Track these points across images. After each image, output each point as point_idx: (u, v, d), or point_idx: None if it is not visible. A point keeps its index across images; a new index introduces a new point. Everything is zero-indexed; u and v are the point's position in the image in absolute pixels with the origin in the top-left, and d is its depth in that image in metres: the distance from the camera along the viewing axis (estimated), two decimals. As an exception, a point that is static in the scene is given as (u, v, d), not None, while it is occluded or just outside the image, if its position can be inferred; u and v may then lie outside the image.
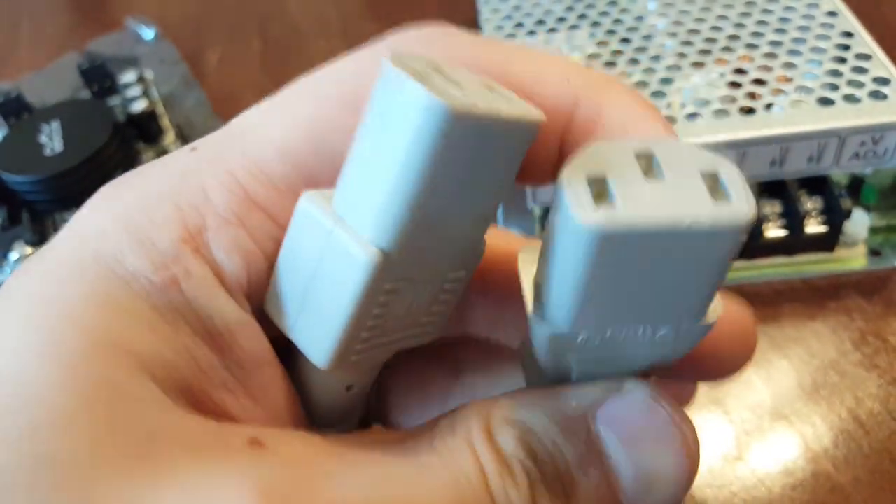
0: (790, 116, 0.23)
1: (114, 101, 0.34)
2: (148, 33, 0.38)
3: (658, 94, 0.24)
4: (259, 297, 0.13)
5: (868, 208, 0.25)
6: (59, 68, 0.37)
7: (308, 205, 0.12)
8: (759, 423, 0.22)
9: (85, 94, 0.35)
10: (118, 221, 0.12)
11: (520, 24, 0.29)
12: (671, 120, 0.23)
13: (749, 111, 0.23)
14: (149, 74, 0.35)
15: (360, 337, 0.12)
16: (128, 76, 0.34)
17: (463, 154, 0.10)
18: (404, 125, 0.10)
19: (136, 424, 0.10)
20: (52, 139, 0.29)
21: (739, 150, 0.23)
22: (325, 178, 0.12)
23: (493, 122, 0.10)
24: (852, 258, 0.25)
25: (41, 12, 0.44)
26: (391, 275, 0.11)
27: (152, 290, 0.11)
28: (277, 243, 0.12)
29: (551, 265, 0.11)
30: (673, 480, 0.12)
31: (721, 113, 0.23)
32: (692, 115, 0.23)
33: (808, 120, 0.23)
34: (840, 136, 0.23)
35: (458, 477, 0.11)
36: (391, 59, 0.10)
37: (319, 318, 0.12)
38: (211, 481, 0.10)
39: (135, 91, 0.33)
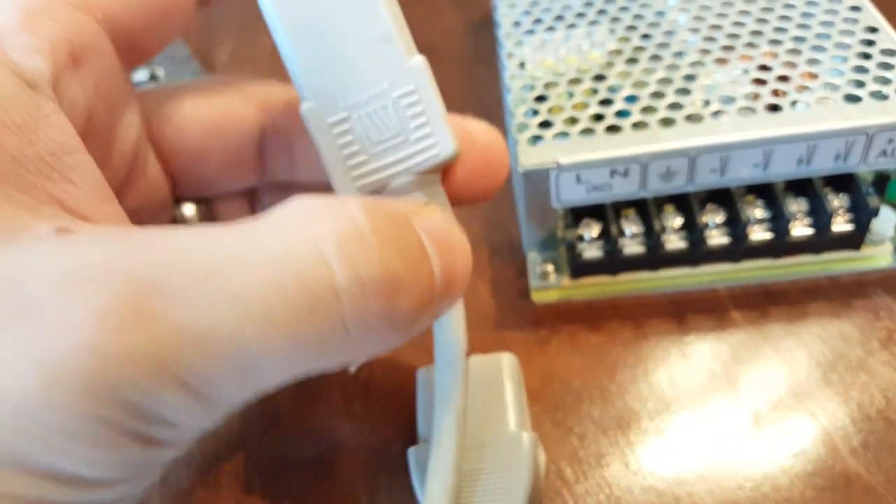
0: (817, 114, 0.23)
1: (125, 98, 0.33)
2: (157, 29, 0.38)
3: (682, 91, 0.24)
4: (62, 91, 0.14)
5: (894, 205, 0.25)
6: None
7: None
8: (789, 424, 0.21)
9: (95, 91, 0.34)
10: None
11: (538, 20, 0.28)
12: (696, 118, 0.23)
13: (775, 108, 0.23)
14: (160, 72, 0.35)
15: (347, 166, 0.15)
16: (140, 74, 0.33)
17: (300, 12, 0.15)
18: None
19: None
20: (65, 139, 0.29)
21: (767, 149, 0.22)
22: None
23: None
24: (878, 256, 0.24)
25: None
26: (326, 112, 0.15)
27: None
28: (63, 40, 0.14)
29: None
30: (461, 280, 0.15)
31: (747, 111, 0.23)
32: (717, 113, 0.23)
33: (835, 117, 0.22)
34: (868, 134, 0.22)
35: (296, 241, 0.12)
36: None
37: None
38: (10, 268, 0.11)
39: (147, 88, 0.33)
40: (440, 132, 0.16)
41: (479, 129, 0.18)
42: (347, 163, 0.15)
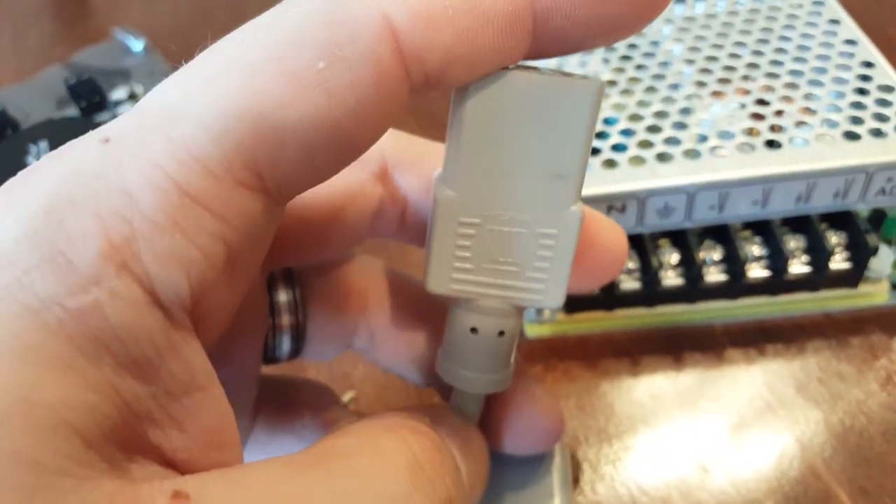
0: (817, 152, 0.22)
1: (103, 117, 0.32)
2: (136, 45, 0.37)
3: (679, 126, 0.24)
4: (205, 306, 0.11)
5: (889, 242, 0.25)
6: (44, 80, 0.36)
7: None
8: (788, 469, 0.21)
9: (72, 108, 0.33)
10: (25, 238, 0.10)
11: (532, 47, 0.28)
12: (694, 154, 0.23)
13: (771, 144, 0.23)
14: (139, 89, 0.34)
15: (451, 264, 0.14)
16: (118, 92, 0.32)
17: (496, 116, 0.13)
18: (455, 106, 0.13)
19: None
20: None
21: (766, 186, 0.22)
22: (266, 157, 0.11)
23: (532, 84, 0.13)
24: (875, 294, 0.24)
25: (23, 21, 0.43)
26: (463, 209, 0.14)
27: (67, 318, 0.10)
28: (220, 240, 0.11)
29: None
30: (481, 485, 0.16)
31: (745, 146, 0.23)
32: (715, 149, 0.23)
33: (834, 155, 0.22)
34: (868, 173, 0.22)
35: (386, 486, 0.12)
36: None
37: (427, 250, 0.15)
38: None
39: (126, 108, 0.32)
40: (555, 285, 0.15)
41: (603, 230, 0.16)
42: (454, 263, 0.14)
